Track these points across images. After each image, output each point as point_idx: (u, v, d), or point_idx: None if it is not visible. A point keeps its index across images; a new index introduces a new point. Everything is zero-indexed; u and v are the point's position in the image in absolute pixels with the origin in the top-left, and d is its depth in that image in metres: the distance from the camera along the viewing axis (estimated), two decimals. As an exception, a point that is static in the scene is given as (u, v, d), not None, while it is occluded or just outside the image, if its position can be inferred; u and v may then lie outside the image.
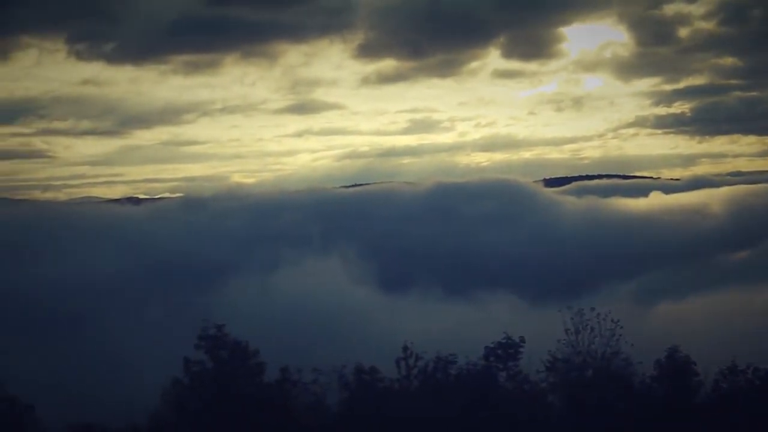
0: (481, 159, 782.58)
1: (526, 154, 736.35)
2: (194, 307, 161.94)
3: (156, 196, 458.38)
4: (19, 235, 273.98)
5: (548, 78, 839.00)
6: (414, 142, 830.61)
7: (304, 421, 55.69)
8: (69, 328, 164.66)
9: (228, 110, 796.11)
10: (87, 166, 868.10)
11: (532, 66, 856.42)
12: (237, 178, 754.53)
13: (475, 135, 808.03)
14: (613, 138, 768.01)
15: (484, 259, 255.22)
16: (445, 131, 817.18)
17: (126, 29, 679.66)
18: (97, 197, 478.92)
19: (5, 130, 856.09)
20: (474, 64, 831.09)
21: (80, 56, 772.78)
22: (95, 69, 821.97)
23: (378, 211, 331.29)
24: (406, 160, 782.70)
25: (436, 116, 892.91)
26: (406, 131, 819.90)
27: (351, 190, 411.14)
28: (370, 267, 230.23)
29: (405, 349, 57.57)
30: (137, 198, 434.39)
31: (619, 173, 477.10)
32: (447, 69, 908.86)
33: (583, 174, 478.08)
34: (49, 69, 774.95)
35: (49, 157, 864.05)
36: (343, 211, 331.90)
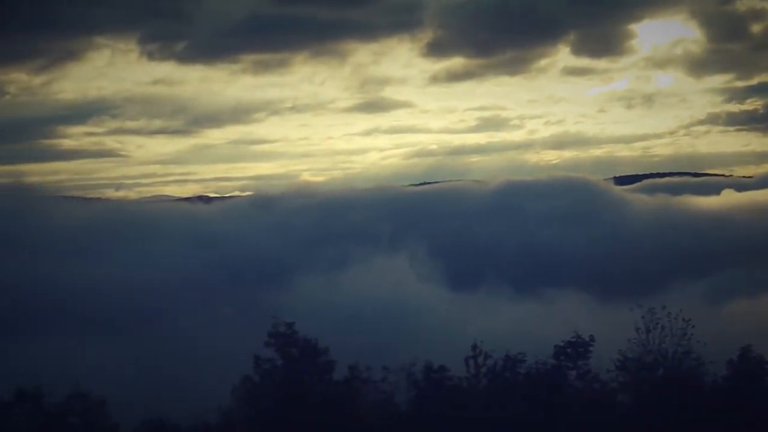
0: (551, 157, 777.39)
1: (596, 152, 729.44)
2: (264, 305, 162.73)
3: (226, 195, 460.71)
4: (92, 233, 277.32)
5: (619, 75, 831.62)
6: (483, 140, 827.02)
7: (373, 419, 55.86)
8: (141, 326, 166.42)
9: (297, 109, 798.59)
10: (158, 165, 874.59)
11: (602, 63, 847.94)
12: (306, 177, 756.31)
13: (545, 133, 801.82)
14: (685, 135, 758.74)
15: (552, 257, 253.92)
16: (514, 129, 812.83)
17: (197, 29, 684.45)
18: (168, 196, 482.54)
19: (79, 129, 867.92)
20: (543, 62, 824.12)
21: (152, 56, 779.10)
22: (167, 69, 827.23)
23: (446, 209, 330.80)
24: (474, 159, 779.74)
25: (505, 114, 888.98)
26: (474, 129, 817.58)
27: (419, 188, 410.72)
28: (438, 265, 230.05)
29: (474, 347, 57.51)
30: (208, 196, 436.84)
31: (690, 171, 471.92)
32: (516, 66, 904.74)
33: (654, 172, 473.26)
34: (121, 69, 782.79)
35: (122, 156, 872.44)
36: (412, 209, 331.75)
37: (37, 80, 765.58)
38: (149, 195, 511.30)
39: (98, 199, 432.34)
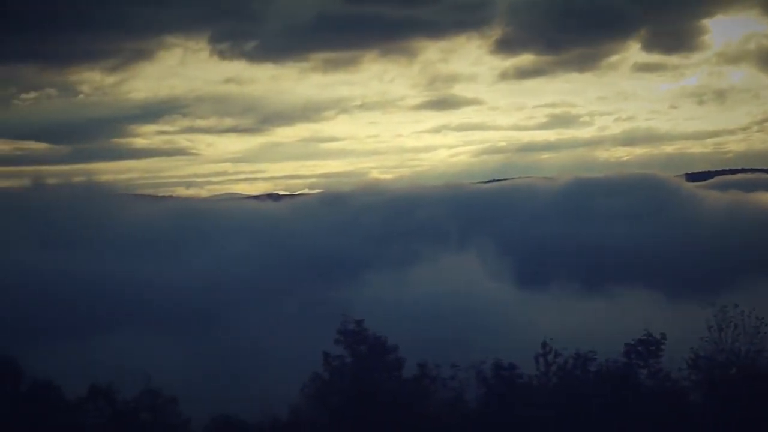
0: (621, 153, 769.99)
1: (668, 149, 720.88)
2: (333, 302, 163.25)
3: (296, 193, 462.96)
4: (163, 231, 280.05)
5: (690, 71, 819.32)
6: (552, 137, 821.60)
7: (442, 417, 55.76)
8: (211, 323, 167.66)
9: (366, 107, 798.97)
10: (229, 163, 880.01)
11: (673, 59, 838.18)
12: (375, 174, 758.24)
13: (615, 129, 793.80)
14: (758, 131, 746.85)
15: (623, 254, 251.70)
16: (584, 126, 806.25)
17: (267, 28, 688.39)
18: (238, 193, 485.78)
19: (150, 128, 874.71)
20: (614, 58, 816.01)
21: (223, 55, 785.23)
22: (237, 68, 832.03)
23: (516, 206, 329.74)
24: (544, 155, 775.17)
25: (574, 111, 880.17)
26: (544, 126, 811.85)
27: (489, 185, 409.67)
28: (507, 263, 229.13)
29: (543, 345, 57.22)
30: (277, 194, 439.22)
31: (763, 167, 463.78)
32: (586, 63, 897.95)
33: (726, 168, 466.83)
34: (192, 68, 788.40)
35: (192, 154, 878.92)
36: (481, 206, 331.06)
37: (110, 80, 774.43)
38: (219, 193, 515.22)
39: (169, 197, 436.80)
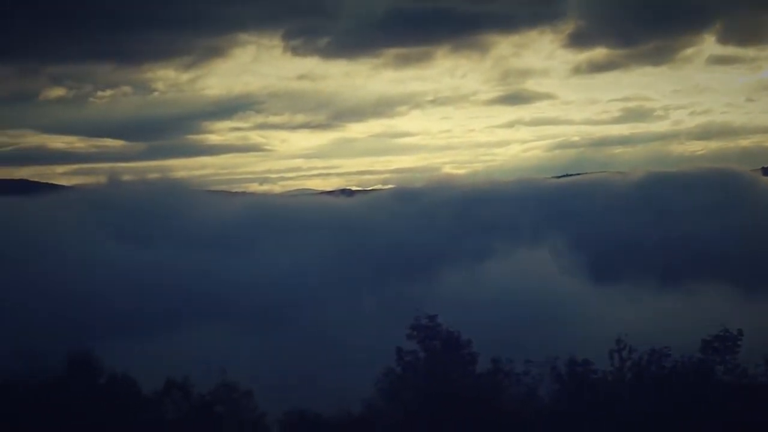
0: (696, 147, 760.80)
1: (744, 142, 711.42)
2: (405, 297, 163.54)
3: (368, 188, 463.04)
4: (237, 227, 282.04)
5: (767, 63, 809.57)
6: (626, 131, 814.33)
7: (516, 413, 55.63)
8: (285, 318, 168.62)
9: (439, 102, 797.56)
10: (302, 159, 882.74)
11: (750, 51, 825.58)
12: (448, 170, 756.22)
13: (690, 123, 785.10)
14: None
15: (698, 249, 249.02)
16: (658, 120, 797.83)
17: (339, 25, 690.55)
18: (311, 189, 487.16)
19: (224, 125, 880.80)
20: (689, 51, 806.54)
21: (296, 52, 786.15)
22: (310, 64, 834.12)
23: (589, 201, 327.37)
24: (618, 150, 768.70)
25: (649, 104, 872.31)
26: (618, 120, 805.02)
27: (562, 180, 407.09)
28: (581, 258, 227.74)
29: (618, 341, 56.80)
30: (350, 190, 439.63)
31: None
32: (660, 56, 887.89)
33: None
34: (266, 65, 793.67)
35: (266, 150, 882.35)
36: (554, 201, 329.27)
37: (185, 77, 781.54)
38: (293, 189, 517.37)
39: (243, 193, 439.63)
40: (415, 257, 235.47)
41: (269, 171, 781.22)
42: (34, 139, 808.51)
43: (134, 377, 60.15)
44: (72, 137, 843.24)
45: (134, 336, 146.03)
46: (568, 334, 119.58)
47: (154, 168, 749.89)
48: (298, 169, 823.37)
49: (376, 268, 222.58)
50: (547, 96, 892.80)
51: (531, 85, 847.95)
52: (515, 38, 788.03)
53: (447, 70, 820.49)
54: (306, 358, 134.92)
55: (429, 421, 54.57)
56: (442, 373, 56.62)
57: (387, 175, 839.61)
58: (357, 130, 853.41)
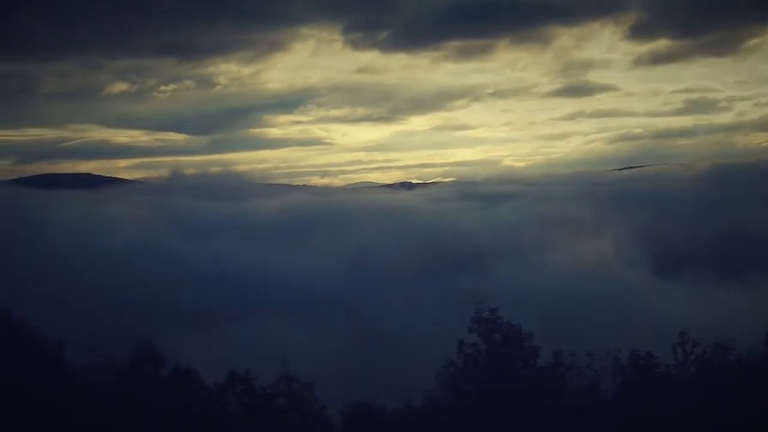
0: (761, 139, 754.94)
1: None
2: (466, 290, 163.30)
3: (429, 181, 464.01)
4: (298, 220, 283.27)
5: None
6: (689, 123, 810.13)
7: (578, 406, 55.42)
8: (346, 310, 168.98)
9: (499, 94, 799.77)
10: (362, 152, 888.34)
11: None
12: (508, 162, 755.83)
13: (754, 114, 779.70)
14: None
15: (762, 242, 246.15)
16: (722, 111, 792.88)
17: (399, 18, 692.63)
18: (372, 182, 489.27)
19: (285, 118, 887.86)
20: (753, 42, 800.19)
21: (356, 45, 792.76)
22: (370, 57, 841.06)
23: (652, 193, 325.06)
24: (681, 142, 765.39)
25: (712, 96, 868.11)
26: (681, 112, 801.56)
27: (624, 172, 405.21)
28: (642, 250, 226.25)
29: (682, 335, 56.44)
30: (411, 183, 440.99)
31: None
32: (724, 47, 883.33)
33: None
34: (326, 59, 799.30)
35: (326, 143, 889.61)
36: (616, 194, 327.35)
37: (246, 71, 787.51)
38: (353, 182, 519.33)
39: (304, 186, 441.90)
40: (475, 250, 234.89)
41: (330, 164, 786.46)
42: (98, 134, 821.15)
43: (197, 369, 60.65)
44: (135, 131, 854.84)
45: (196, 328, 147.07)
46: (630, 328, 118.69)
47: (215, 162, 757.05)
48: (358, 162, 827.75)
49: (437, 260, 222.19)
50: (609, 88, 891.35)
51: (592, 77, 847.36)
52: (577, 30, 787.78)
53: (508, 63, 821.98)
54: (366, 351, 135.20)
55: (490, 413, 54.52)
56: (503, 366, 56.58)
57: (447, 168, 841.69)
58: (417, 123, 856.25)
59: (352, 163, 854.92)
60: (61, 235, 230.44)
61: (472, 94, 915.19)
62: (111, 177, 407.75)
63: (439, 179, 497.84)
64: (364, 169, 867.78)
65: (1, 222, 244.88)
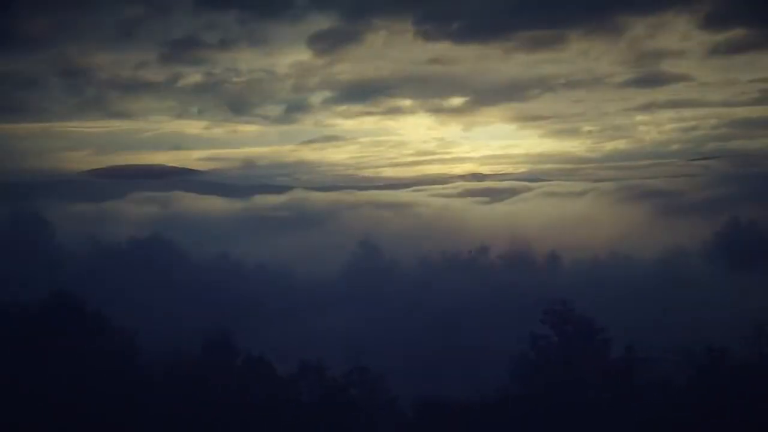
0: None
1: None
2: (536, 281, 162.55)
3: (500, 173, 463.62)
4: (369, 210, 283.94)
5: None
6: (767, 113, 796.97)
7: (651, 399, 54.94)
8: (417, 302, 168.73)
9: (571, 85, 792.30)
10: (434, 143, 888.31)
11: None
12: (581, 153, 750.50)
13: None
14: None
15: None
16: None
17: (471, 8, 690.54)
18: (443, 174, 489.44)
19: (357, 109, 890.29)
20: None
21: (427, 36, 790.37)
22: (441, 48, 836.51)
23: (729, 184, 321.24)
24: (758, 132, 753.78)
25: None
26: (758, 101, 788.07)
27: (700, 163, 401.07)
28: (719, 242, 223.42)
29: (759, 329, 55.66)
30: (482, 174, 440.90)
31: None
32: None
33: None
34: (397, 49, 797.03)
35: (398, 134, 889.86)
36: (692, 185, 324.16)
37: (319, 62, 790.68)
38: (424, 173, 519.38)
39: (375, 177, 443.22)
40: (547, 241, 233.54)
41: (401, 155, 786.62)
42: (171, 125, 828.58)
43: (269, 359, 61.07)
44: (207, 122, 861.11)
45: (269, 318, 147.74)
46: (706, 322, 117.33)
47: (287, 152, 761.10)
48: (430, 153, 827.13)
49: (508, 251, 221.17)
50: (684, 77, 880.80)
51: (666, 66, 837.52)
52: (650, 19, 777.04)
53: (580, 53, 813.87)
54: (438, 343, 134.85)
55: (562, 404, 54.25)
56: (576, 358, 56.29)
57: (519, 159, 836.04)
58: (489, 113, 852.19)
59: (424, 153, 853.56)
60: (131, 228, 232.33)
61: (544, 85, 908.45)
62: (184, 168, 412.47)
63: (510, 170, 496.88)
64: (435, 159, 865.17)
65: (74, 212, 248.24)
